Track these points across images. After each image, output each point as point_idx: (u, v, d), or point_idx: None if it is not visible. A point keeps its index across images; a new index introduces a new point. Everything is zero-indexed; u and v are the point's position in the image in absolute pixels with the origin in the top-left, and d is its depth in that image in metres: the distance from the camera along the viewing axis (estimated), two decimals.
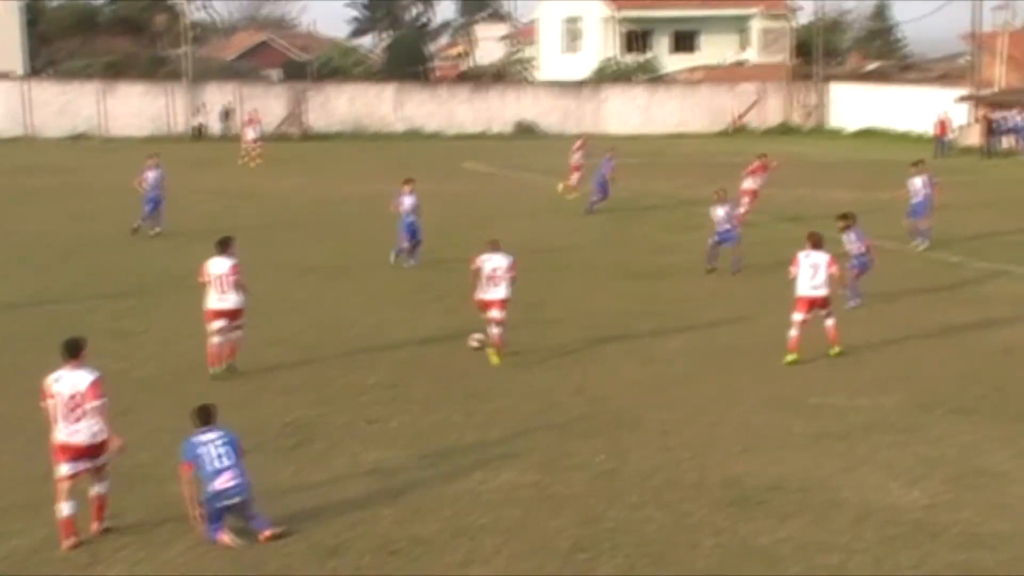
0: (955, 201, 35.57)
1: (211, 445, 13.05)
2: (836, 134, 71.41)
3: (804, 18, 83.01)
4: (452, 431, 16.84)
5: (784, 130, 72.83)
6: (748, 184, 35.23)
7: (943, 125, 59.23)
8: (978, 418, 17.16)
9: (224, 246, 19.69)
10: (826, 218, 35.60)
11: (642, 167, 52.14)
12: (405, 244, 28.71)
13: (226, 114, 67.37)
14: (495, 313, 20.33)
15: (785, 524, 13.51)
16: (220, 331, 19.35)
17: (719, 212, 28.46)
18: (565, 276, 27.54)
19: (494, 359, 20.24)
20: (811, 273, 20.31)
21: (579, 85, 75.23)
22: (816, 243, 20.64)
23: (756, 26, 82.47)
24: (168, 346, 21.37)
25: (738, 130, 72.30)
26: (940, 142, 58.15)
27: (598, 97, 73.62)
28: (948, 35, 76.52)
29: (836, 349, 20.47)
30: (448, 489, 14.59)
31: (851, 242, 24.51)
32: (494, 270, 20.31)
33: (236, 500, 13.02)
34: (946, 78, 74.20)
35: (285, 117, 67.58)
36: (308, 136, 68.08)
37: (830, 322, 20.55)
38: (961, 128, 61.07)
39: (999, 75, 65.76)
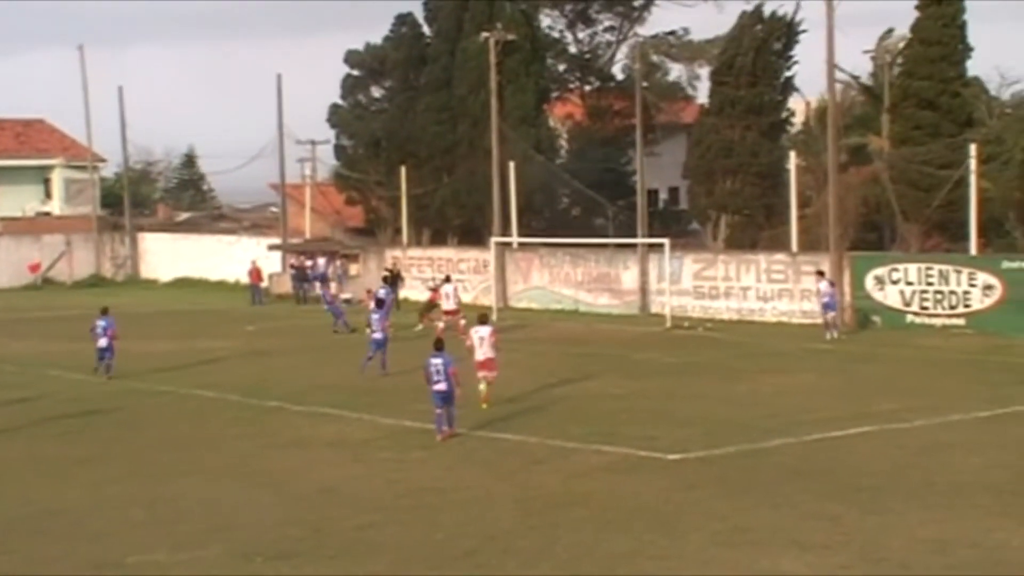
0: (275, 347, 36.01)
1: None
2: (151, 284, 70.81)
3: (110, 169, 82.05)
4: None
5: (96, 281, 71.32)
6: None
7: (256, 273, 60.24)
8: (299, 560, 16.93)
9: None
10: (145, 368, 34.88)
11: None
12: None
13: None
14: None
15: None
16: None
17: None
18: None
19: None
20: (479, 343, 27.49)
21: None
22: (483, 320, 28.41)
23: (59, 176, 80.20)
24: None
25: (45, 283, 70.08)
26: (255, 290, 59.07)
27: None
28: (259, 185, 78.58)
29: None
30: None
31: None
32: None
33: None
34: (257, 227, 76.11)
35: None
36: None
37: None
38: (273, 276, 62.37)
39: (307, 224, 68.12)
